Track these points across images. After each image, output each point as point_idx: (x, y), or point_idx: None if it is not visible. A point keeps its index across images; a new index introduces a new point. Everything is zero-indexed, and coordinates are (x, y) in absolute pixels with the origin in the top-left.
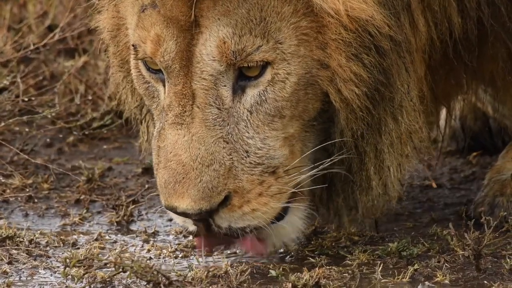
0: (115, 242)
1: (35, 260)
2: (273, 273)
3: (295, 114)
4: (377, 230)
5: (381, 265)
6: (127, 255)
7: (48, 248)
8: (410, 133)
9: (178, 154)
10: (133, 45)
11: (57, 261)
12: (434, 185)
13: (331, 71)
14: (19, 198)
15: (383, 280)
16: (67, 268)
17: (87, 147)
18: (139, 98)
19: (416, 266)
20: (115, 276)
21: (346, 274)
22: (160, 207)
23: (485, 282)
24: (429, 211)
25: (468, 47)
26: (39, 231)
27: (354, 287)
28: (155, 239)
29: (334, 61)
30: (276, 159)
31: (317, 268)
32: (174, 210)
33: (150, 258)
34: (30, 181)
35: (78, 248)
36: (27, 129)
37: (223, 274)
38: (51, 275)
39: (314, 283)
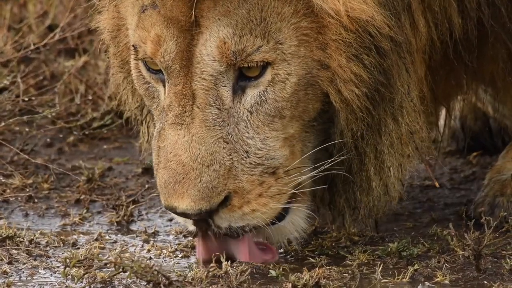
0: (115, 242)
1: (35, 260)
2: (273, 273)
3: (295, 114)
4: (377, 230)
5: (381, 265)
6: (127, 255)
7: (48, 248)
8: (411, 134)
9: (178, 154)
10: (133, 46)
11: (57, 261)
12: (436, 184)
13: (331, 72)
14: (19, 198)
15: (383, 280)
16: (67, 268)
17: (87, 147)
18: (140, 98)
19: (416, 266)
20: (115, 276)
21: (346, 274)
22: (161, 207)
23: (485, 282)
24: (429, 211)
25: (468, 48)
26: (39, 231)
27: (354, 287)
28: (155, 239)
29: (334, 61)
30: (276, 159)
31: (317, 268)
32: (173, 210)
33: (150, 258)
34: (30, 181)
35: (78, 248)
36: (27, 129)
37: (223, 274)
38: (51, 275)
39: (314, 283)
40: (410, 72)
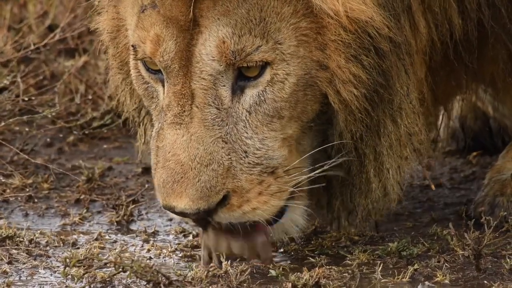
0: (115, 242)
1: (35, 260)
2: (273, 273)
3: (293, 115)
4: (377, 230)
5: (381, 265)
6: (127, 255)
7: (48, 248)
8: (410, 135)
9: (177, 153)
10: (132, 46)
11: (57, 261)
12: (433, 187)
13: (330, 72)
14: (19, 198)
15: (383, 280)
16: (67, 268)
17: (87, 147)
18: (138, 100)
19: (416, 266)
20: (115, 276)
21: (346, 274)
22: (161, 207)
23: (485, 282)
24: (429, 211)
25: (469, 49)
26: (39, 231)
27: (354, 287)
28: (155, 239)
29: (333, 62)
30: (275, 159)
31: (317, 268)
32: (172, 209)
33: (150, 258)
34: (30, 181)
35: (78, 248)
36: (27, 129)
37: (223, 274)
38: (51, 275)
39: (314, 283)
40: (409, 74)
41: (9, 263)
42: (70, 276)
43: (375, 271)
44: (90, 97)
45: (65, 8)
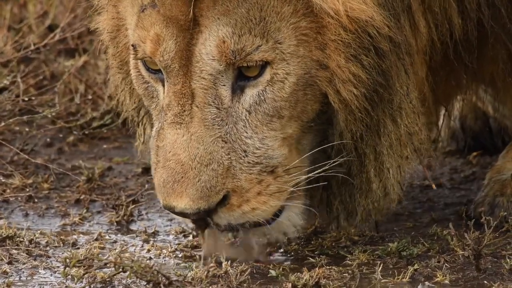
0: (115, 242)
1: (35, 260)
2: (273, 273)
3: (293, 114)
4: (377, 230)
5: (381, 265)
6: (127, 255)
7: (48, 248)
8: (410, 135)
9: (177, 153)
10: (132, 45)
11: (57, 261)
12: (433, 186)
13: (330, 72)
14: (19, 198)
15: (383, 280)
16: (67, 268)
17: (87, 147)
18: (137, 100)
19: (416, 266)
20: (115, 276)
21: (346, 274)
22: (161, 207)
23: (485, 282)
24: (429, 211)
25: (469, 49)
26: (39, 231)
27: (354, 287)
28: (155, 239)
29: (333, 61)
30: (274, 158)
31: (317, 268)
32: (172, 209)
33: (150, 258)
34: (30, 181)
35: (78, 248)
36: (27, 129)
37: (223, 274)
38: (51, 275)
39: (314, 283)
40: (409, 74)
41: (9, 263)
42: (70, 276)
43: (375, 271)
44: (90, 97)
45: (65, 8)
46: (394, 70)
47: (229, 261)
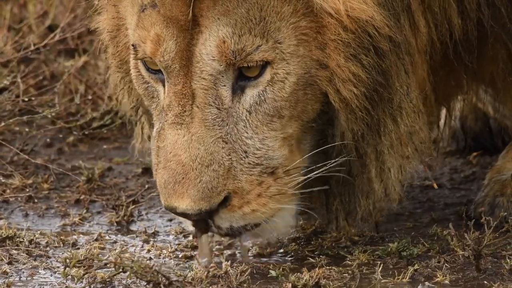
0: (115, 242)
1: (35, 260)
2: (273, 273)
3: (294, 114)
4: (377, 230)
5: (381, 265)
6: (127, 255)
7: (48, 248)
8: (410, 134)
9: (178, 154)
10: (133, 45)
11: (57, 261)
12: (435, 186)
13: (329, 71)
14: (19, 198)
15: (383, 280)
16: (67, 268)
17: (87, 147)
18: (135, 99)
19: (416, 266)
20: (115, 276)
21: (346, 274)
22: (161, 208)
23: (485, 282)
24: (429, 211)
25: (468, 48)
26: (39, 231)
27: (354, 287)
28: (155, 239)
29: (332, 61)
30: (275, 159)
31: (317, 268)
32: (173, 210)
33: (150, 258)
34: (30, 181)
35: (78, 248)
36: (27, 129)
37: (223, 274)
38: (51, 275)
39: (314, 283)
40: (409, 73)
41: (9, 263)
42: (70, 277)
43: (375, 271)
44: (90, 97)
45: (65, 8)
46: (394, 70)
47: (229, 261)
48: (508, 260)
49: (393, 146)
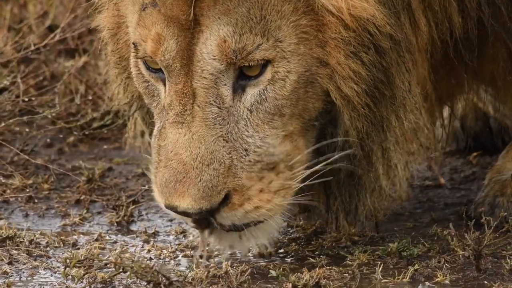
0: (115, 242)
1: (35, 260)
2: (273, 273)
3: (295, 112)
4: (377, 230)
5: (381, 265)
6: (127, 255)
7: (48, 249)
8: (415, 131)
9: (179, 153)
10: (133, 43)
11: (57, 261)
12: (442, 181)
13: (330, 69)
14: (19, 199)
15: (383, 280)
16: (67, 269)
17: (87, 147)
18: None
19: (416, 266)
20: (115, 277)
21: (346, 274)
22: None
23: (485, 282)
24: (429, 211)
25: (469, 47)
26: (39, 232)
27: (354, 287)
28: (155, 240)
29: (333, 59)
30: (276, 155)
31: (317, 268)
32: (174, 209)
33: (150, 259)
34: (30, 182)
35: (79, 249)
36: (27, 129)
37: (223, 274)
38: (51, 275)
39: (314, 283)
40: (410, 71)
41: (10, 263)
42: (70, 277)
43: (376, 271)
44: (90, 97)
45: (65, 8)
46: (395, 67)
47: (229, 261)
48: (508, 260)
49: (398, 142)
